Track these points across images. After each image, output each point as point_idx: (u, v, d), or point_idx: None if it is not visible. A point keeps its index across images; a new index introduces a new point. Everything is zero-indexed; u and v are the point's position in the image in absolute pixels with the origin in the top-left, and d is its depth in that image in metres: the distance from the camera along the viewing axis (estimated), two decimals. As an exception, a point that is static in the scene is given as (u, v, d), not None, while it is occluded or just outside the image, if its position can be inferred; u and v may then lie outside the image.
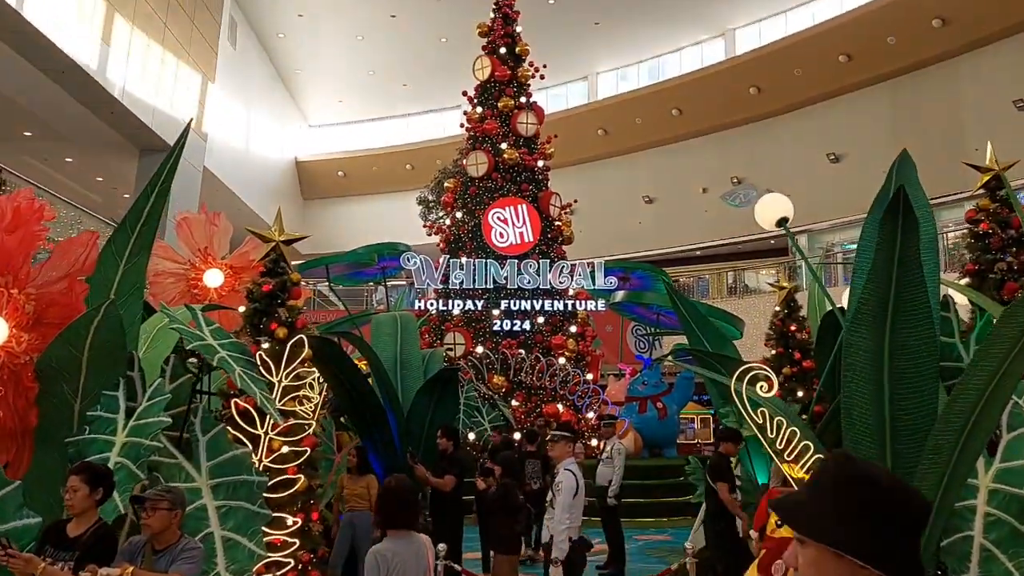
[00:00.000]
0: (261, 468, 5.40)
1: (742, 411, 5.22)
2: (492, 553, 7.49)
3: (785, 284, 8.89)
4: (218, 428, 5.09)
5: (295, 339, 5.61)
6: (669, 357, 17.90)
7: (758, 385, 5.20)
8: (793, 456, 5.18)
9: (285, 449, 5.52)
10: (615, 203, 29.35)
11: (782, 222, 6.15)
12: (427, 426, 8.08)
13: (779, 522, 5.22)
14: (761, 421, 5.15)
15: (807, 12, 25.97)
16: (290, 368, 5.56)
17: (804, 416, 7.45)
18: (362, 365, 9.33)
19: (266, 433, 5.42)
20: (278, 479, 5.42)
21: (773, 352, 8.50)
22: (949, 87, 22.21)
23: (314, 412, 8.03)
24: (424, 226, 20.60)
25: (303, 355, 5.65)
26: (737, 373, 5.29)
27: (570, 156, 26.70)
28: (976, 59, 21.67)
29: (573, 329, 16.43)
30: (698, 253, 28.89)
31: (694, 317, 8.30)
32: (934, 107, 22.43)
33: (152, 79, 20.00)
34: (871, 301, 4.60)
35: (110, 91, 18.05)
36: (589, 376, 16.03)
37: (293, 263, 8.38)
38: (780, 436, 5.14)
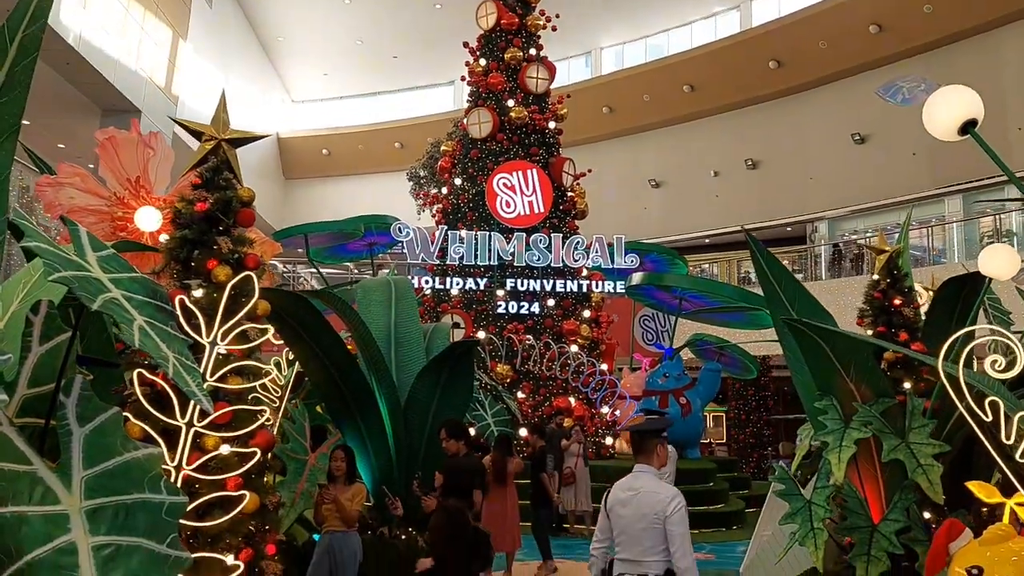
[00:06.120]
0: (179, 480, 3.44)
1: (957, 403, 3.30)
2: None
3: (886, 247, 6.94)
4: (107, 415, 3.07)
5: (241, 277, 3.63)
6: (687, 347, 16.11)
7: (989, 361, 3.25)
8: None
9: (224, 449, 3.56)
10: (619, 187, 27.36)
11: (967, 128, 4.21)
12: (431, 419, 6.11)
13: (973, 571, 3.26)
14: (992, 418, 3.21)
15: (832, -21, 24.08)
16: (232, 323, 3.59)
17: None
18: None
19: (190, 424, 3.45)
20: (209, 497, 3.46)
21: (871, 332, 6.56)
22: (990, 58, 20.37)
23: (281, 399, 6.10)
24: (418, 195, 18.56)
25: (253, 305, 3.68)
26: (950, 342, 3.35)
27: (571, 136, 24.82)
28: (1022, 27, 19.84)
29: (587, 314, 14.49)
30: (707, 241, 27.03)
31: (782, 280, 6.33)
32: (972, 81, 20.52)
33: (114, 29, 17.88)
34: None
35: (64, 37, 15.91)
36: (604, 366, 14.08)
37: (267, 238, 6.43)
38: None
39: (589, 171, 16.24)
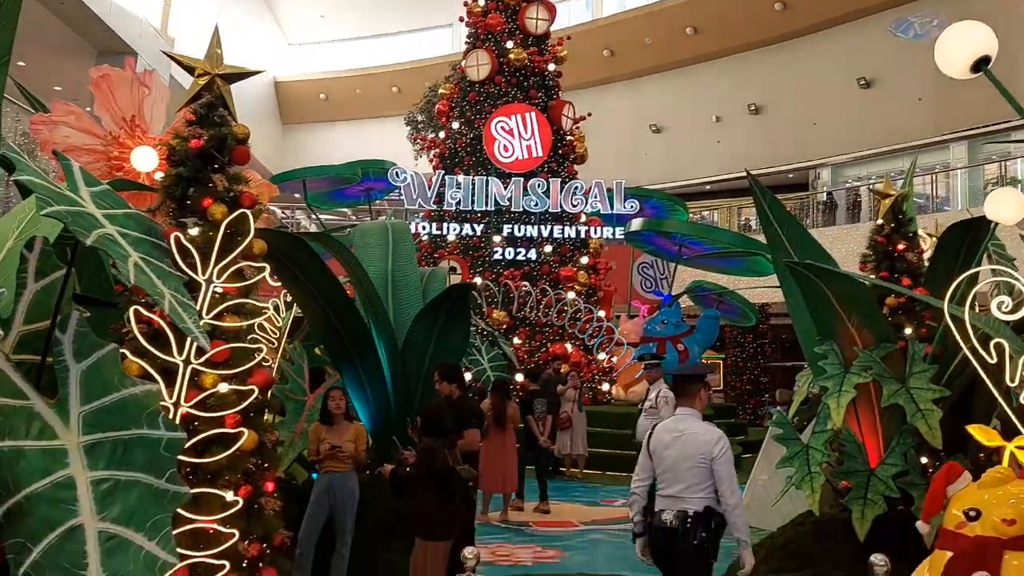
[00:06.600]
0: (178, 418, 3.43)
1: (962, 344, 3.28)
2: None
3: (891, 191, 6.83)
4: (104, 351, 3.05)
5: (236, 215, 3.58)
6: (686, 295, 16.10)
7: (996, 303, 3.21)
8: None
9: (222, 387, 3.55)
10: (618, 132, 27.02)
11: (980, 65, 4.11)
12: (428, 362, 6.12)
13: (971, 514, 3.26)
14: (996, 360, 3.19)
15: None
16: (228, 261, 3.55)
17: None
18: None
19: (187, 362, 3.43)
20: (207, 434, 3.46)
21: (873, 277, 6.51)
22: (1000, 2, 19.96)
23: (279, 340, 6.09)
24: (417, 138, 18.36)
25: (248, 243, 3.64)
26: (956, 284, 3.31)
27: (571, 79, 24.45)
28: (1033, -30, 19.46)
29: (584, 260, 14.46)
30: (708, 188, 26.85)
31: (785, 224, 6.27)
32: (984, 22, 20.22)
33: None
34: None
35: (55, -25, 15.61)
36: (601, 313, 14.11)
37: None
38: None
39: (589, 115, 16.04)
